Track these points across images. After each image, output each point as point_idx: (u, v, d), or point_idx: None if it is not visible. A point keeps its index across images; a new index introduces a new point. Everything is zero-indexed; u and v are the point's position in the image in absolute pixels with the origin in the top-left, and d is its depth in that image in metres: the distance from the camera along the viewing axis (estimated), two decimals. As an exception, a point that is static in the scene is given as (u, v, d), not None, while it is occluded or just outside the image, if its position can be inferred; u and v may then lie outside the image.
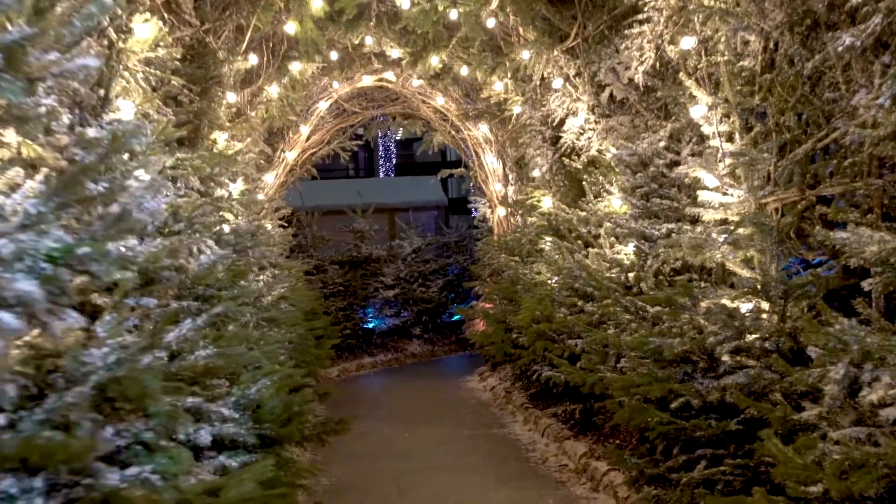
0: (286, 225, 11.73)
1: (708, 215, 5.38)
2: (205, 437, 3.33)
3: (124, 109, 4.83)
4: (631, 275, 6.93)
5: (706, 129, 5.61)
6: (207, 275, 4.55)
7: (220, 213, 6.89)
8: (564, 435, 7.92)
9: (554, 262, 8.31)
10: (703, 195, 5.46)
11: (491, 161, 11.97)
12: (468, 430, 9.05)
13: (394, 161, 37.77)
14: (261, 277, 7.56)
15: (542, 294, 7.98)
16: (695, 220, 6.26)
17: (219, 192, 7.10)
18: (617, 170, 7.56)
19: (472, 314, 12.15)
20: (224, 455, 3.45)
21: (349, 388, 12.23)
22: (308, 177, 12.46)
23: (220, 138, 7.14)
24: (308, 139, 11.81)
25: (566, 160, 8.42)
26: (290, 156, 11.62)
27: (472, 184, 12.84)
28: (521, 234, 9.76)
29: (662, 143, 6.59)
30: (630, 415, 4.92)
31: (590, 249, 7.90)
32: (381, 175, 35.71)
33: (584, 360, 6.80)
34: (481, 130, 11.90)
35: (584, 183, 8.18)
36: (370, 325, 15.22)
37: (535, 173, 9.63)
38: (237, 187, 7.33)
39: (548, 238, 8.96)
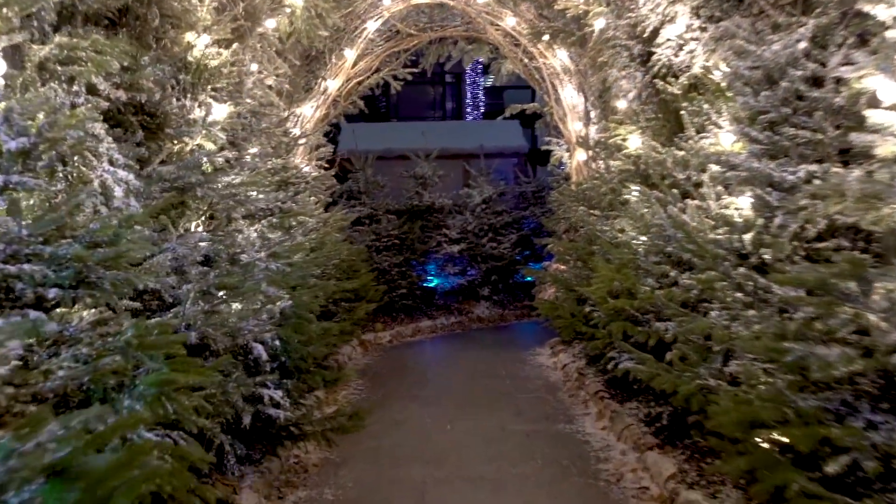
0: (327, 167, 10.06)
1: (885, 148, 3.39)
2: None
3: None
4: (747, 237, 4.99)
5: (880, 13, 3.58)
6: (66, 223, 2.85)
7: (191, 140, 5.23)
8: (647, 442, 6.06)
9: (640, 217, 6.37)
10: (874, 117, 3.46)
11: (569, 95, 9.98)
12: (527, 424, 7.27)
13: (482, 110, 35.73)
14: (252, 228, 5.87)
15: (623, 259, 6.07)
16: (847, 161, 4.27)
17: (197, 112, 5.44)
18: (729, 93, 5.56)
19: (541, 277, 10.28)
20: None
21: (398, 358, 10.58)
22: (354, 110, 10.68)
23: (200, 42, 5.41)
24: (354, 65, 10.04)
25: (660, 84, 6.42)
26: (333, 85, 9.87)
27: (548, 121, 10.85)
28: (601, 182, 7.81)
29: (803, 45, 4.55)
30: (752, 463, 3.05)
31: (688, 201, 5.95)
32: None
33: (676, 354, 4.93)
34: (559, 58, 9.91)
35: (682, 113, 6.18)
36: (431, 284, 13.51)
37: (620, 104, 7.63)
38: (223, 109, 5.62)
39: (634, 187, 7.02)
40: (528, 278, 14.55)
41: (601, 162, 9.31)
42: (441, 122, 27.95)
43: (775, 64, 4.66)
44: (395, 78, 10.71)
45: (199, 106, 5.47)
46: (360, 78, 10.29)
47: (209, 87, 5.53)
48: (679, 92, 6.23)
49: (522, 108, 10.61)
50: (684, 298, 5.32)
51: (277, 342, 5.04)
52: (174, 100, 5.18)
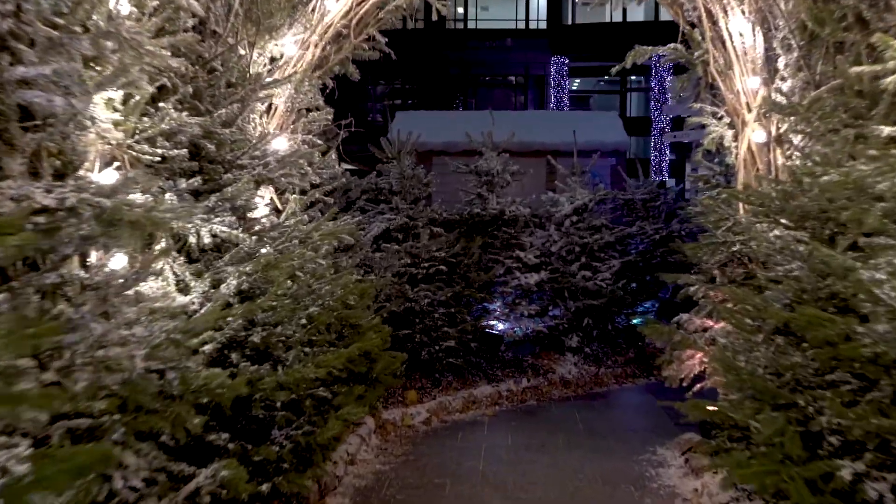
0: (319, 142, 6.06)
1: None
2: None
3: None
4: None
5: None
6: None
7: None
8: None
9: None
10: None
11: (739, 30, 5.74)
12: None
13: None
14: None
15: None
16: None
17: None
18: None
19: (675, 341, 6.02)
20: None
21: (430, 462, 6.45)
22: (373, 54, 6.48)
23: None
24: (372, -22, 5.99)
25: None
26: (335, 7, 5.84)
27: (693, 82, 6.44)
28: (887, 167, 3.49)
29: None
30: None
31: None
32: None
33: None
34: (723, -33, 5.69)
35: None
36: (495, 330, 9.35)
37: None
38: None
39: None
40: (636, 321, 10.31)
41: (803, 140, 5.08)
42: (519, 112, 23.70)
43: None
44: (442, -3, 6.60)
45: None
46: (382, -3, 6.21)
47: None
48: None
49: (654, 50, 6.25)
50: None
51: None
52: None
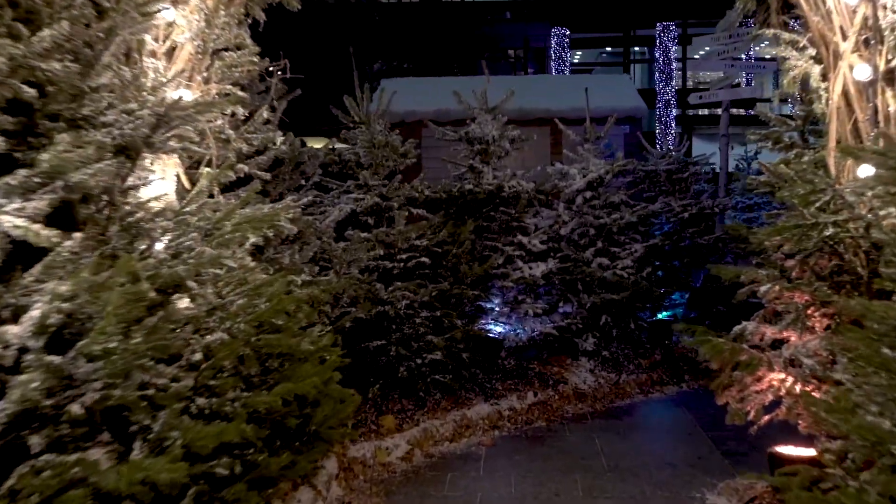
0: (243, 95, 4.36)
1: None
2: None
3: None
4: None
5: None
6: None
7: None
8: None
9: None
10: None
11: (831, -79, 4.04)
12: None
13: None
14: None
15: None
16: None
17: None
18: None
19: (741, 361, 4.37)
20: None
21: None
22: None
23: None
24: None
25: None
26: None
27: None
28: None
29: None
30: None
31: None
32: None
33: None
34: None
35: None
36: (493, 334, 7.68)
37: None
38: None
39: None
40: (664, 314, 8.66)
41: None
42: (519, 77, 21.89)
43: None
44: None
45: None
46: None
47: None
48: None
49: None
50: None
51: None
52: None
